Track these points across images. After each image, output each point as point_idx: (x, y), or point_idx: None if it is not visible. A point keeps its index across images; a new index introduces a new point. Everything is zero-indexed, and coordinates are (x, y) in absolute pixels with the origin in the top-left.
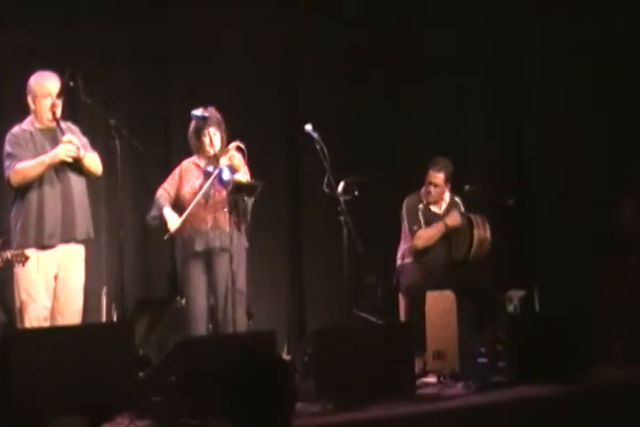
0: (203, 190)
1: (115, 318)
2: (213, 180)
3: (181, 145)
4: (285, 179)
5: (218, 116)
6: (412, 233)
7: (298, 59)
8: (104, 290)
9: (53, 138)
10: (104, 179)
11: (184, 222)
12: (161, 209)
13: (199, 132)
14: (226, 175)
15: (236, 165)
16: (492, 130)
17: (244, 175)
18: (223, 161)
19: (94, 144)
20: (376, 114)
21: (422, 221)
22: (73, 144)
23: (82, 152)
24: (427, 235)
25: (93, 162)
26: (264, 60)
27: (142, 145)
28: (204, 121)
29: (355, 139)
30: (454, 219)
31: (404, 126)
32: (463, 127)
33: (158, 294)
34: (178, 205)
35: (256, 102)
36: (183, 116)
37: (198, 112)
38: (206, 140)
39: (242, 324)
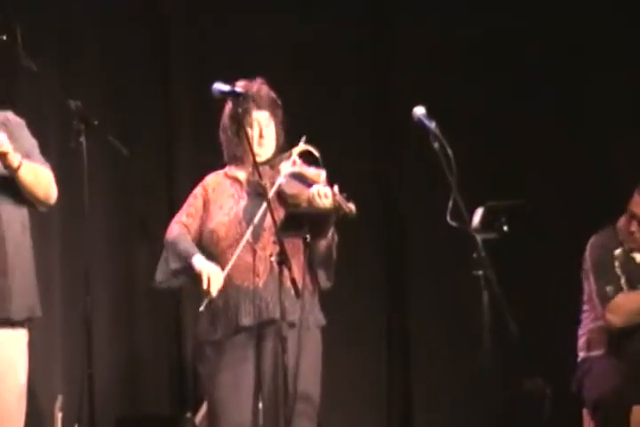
0: (256, 219)
1: None
2: (269, 199)
3: (194, 145)
4: (375, 203)
5: (271, 93)
6: (604, 299)
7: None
8: (59, 401)
9: None
10: (60, 207)
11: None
12: (188, 257)
13: (241, 119)
14: (292, 189)
15: (309, 176)
16: None
17: (322, 195)
18: (285, 168)
19: (43, 145)
20: (521, 89)
21: (623, 278)
22: None
23: (15, 159)
24: (631, 304)
25: (41, 180)
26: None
27: (127, 145)
28: (248, 100)
29: (492, 131)
30: None
31: (573, 111)
32: None
33: (153, 406)
34: (202, 248)
35: (322, 73)
36: (198, 94)
37: (226, 87)
38: (254, 131)
39: None
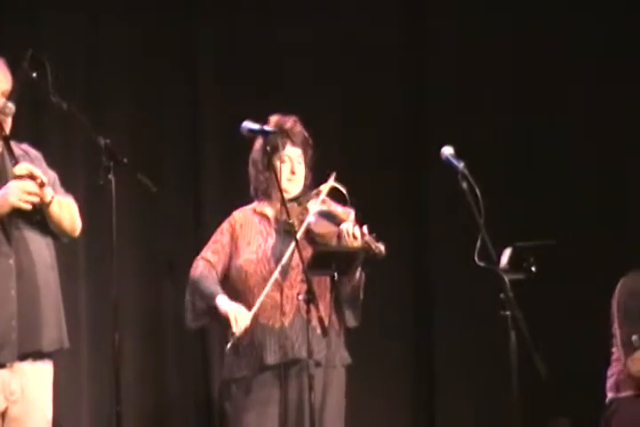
0: (285, 259)
1: None
2: (299, 236)
3: (221, 184)
4: (404, 243)
5: (304, 132)
6: (628, 347)
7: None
8: None
9: None
10: (85, 242)
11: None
12: (212, 298)
13: (272, 154)
14: (320, 228)
15: (338, 215)
16: None
17: (350, 235)
18: (313, 206)
19: (71, 181)
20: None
21: None
22: (33, 179)
23: (47, 193)
24: None
25: (67, 212)
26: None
27: (155, 182)
28: (281, 136)
29: (521, 170)
30: None
31: (608, 149)
32: None
33: None
34: (229, 284)
35: (351, 112)
36: (226, 132)
37: (255, 125)
38: (286, 167)
39: None
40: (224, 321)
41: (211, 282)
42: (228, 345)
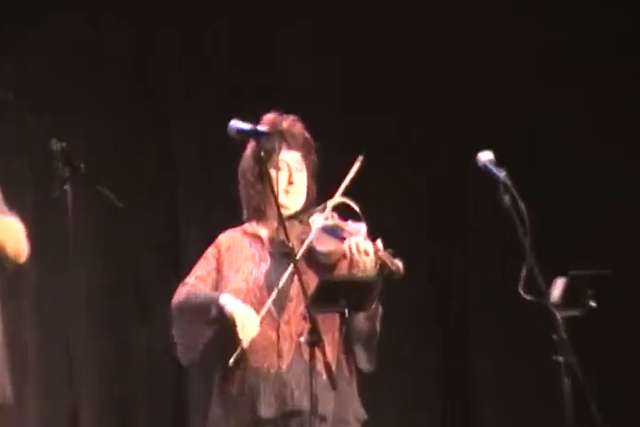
0: (281, 284)
1: None
2: (298, 258)
3: (200, 195)
4: (431, 268)
5: (305, 133)
6: None
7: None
8: None
9: None
10: (37, 269)
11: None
12: (213, 301)
13: (265, 161)
14: (324, 245)
15: (346, 229)
16: None
17: (361, 251)
18: (317, 220)
19: (15, 196)
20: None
21: None
22: None
23: None
24: None
25: (11, 234)
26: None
27: (121, 195)
28: (275, 139)
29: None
30: None
31: None
32: None
33: None
34: None
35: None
36: (203, 133)
37: (246, 125)
38: (282, 176)
39: None
40: (231, 326)
41: (204, 291)
42: (232, 360)
